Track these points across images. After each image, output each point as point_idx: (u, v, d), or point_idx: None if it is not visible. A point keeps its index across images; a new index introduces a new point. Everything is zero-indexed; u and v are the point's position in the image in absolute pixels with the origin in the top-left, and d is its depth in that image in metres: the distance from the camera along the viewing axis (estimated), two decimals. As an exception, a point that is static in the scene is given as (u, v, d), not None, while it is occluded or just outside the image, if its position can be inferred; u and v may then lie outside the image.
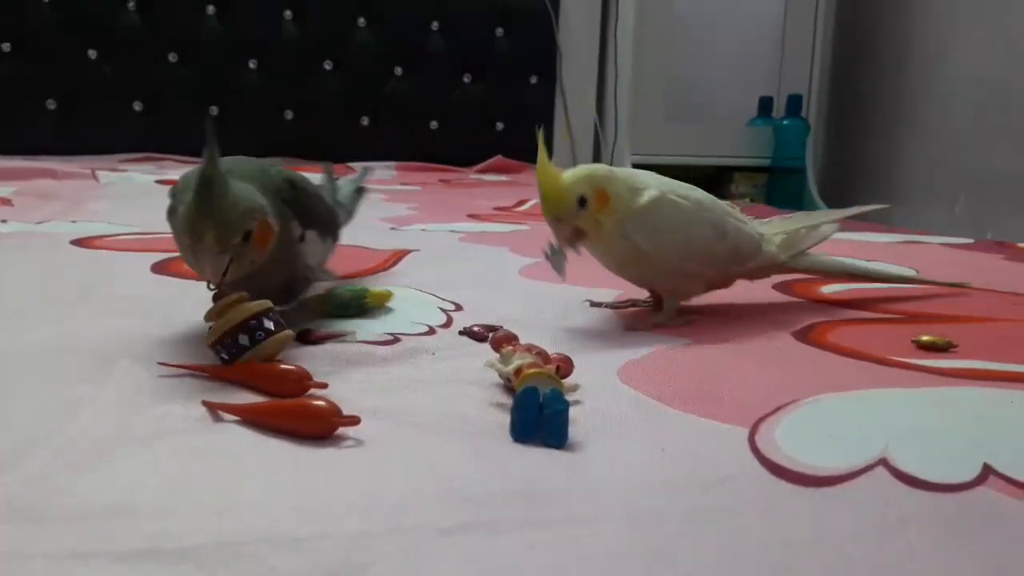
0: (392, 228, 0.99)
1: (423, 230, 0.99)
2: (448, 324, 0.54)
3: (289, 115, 1.86)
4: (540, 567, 0.25)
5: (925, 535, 0.28)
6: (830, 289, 0.69)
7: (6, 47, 1.68)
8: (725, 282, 0.59)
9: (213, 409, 0.36)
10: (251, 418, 0.35)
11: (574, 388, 0.40)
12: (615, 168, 0.54)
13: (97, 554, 0.24)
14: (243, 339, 0.40)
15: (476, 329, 0.52)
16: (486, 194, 1.48)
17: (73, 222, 0.94)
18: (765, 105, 1.96)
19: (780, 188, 1.94)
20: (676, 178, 0.57)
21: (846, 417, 0.39)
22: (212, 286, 0.43)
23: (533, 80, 1.96)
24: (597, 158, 2.03)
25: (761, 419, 0.38)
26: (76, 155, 1.66)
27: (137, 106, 1.78)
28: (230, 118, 1.82)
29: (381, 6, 1.87)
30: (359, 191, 0.71)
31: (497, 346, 0.43)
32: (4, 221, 0.91)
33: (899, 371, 0.47)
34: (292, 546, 0.25)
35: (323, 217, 0.55)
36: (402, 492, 0.29)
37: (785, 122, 1.91)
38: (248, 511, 0.27)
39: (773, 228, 0.62)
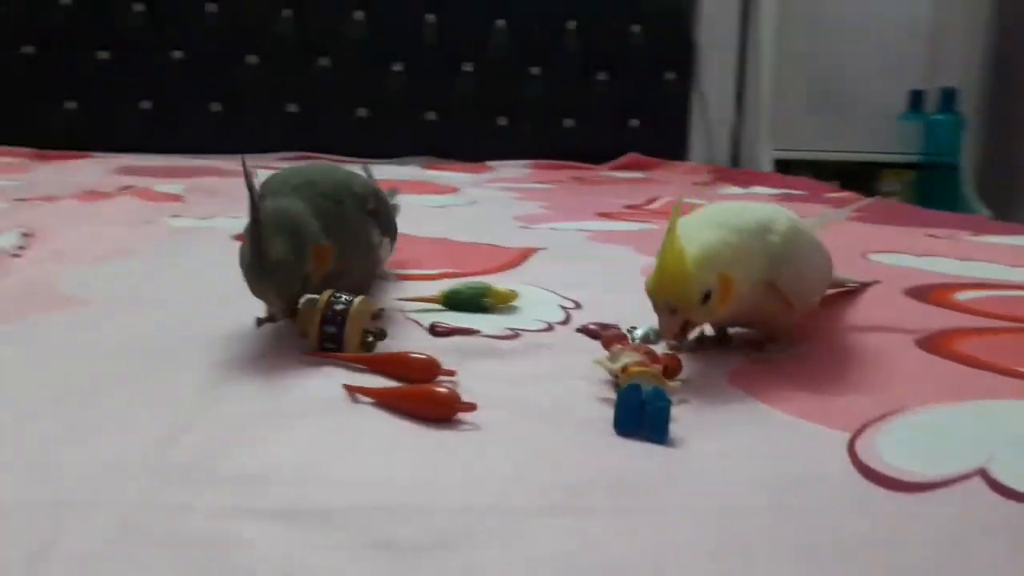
0: (522, 226, 1.03)
1: (552, 228, 1.02)
2: (566, 322, 0.57)
3: (431, 116, 1.93)
4: (621, 551, 0.27)
5: (1015, 546, 0.28)
6: (965, 296, 0.67)
7: (178, 55, 1.83)
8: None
9: (351, 392, 0.40)
10: (383, 401, 0.39)
11: (678, 387, 0.42)
12: (741, 225, 0.45)
13: (249, 511, 0.28)
14: (330, 329, 0.45)
15: (592, 327, 0.54)
16: (618, 192, 1.49)
17: (235, 217, 1.02)
18: (916, 99, 1.87)
19: (931, 186, 1.85)
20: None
21: (952, 426, 0.39)
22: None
23: (669, 76, 1.96)
24: (736, 154, 2.00)
25: (865, 425, 0.39)
26: (236, 154, 1.78)
27: (292, 108, 1.89)
28: (376, 119, 1.91)
29: (519, 8, 1.91)
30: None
31: (607, 344, 0.46)
32: (176, 216, 1.01)
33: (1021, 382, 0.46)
34: (408, 515, 0.29)
35: (393, 224, 0.59)
36: (507, 474, 0.32)
37: (938, 117, 1.82)
38: (373, 483, 0.31)
39: None
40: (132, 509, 0.28)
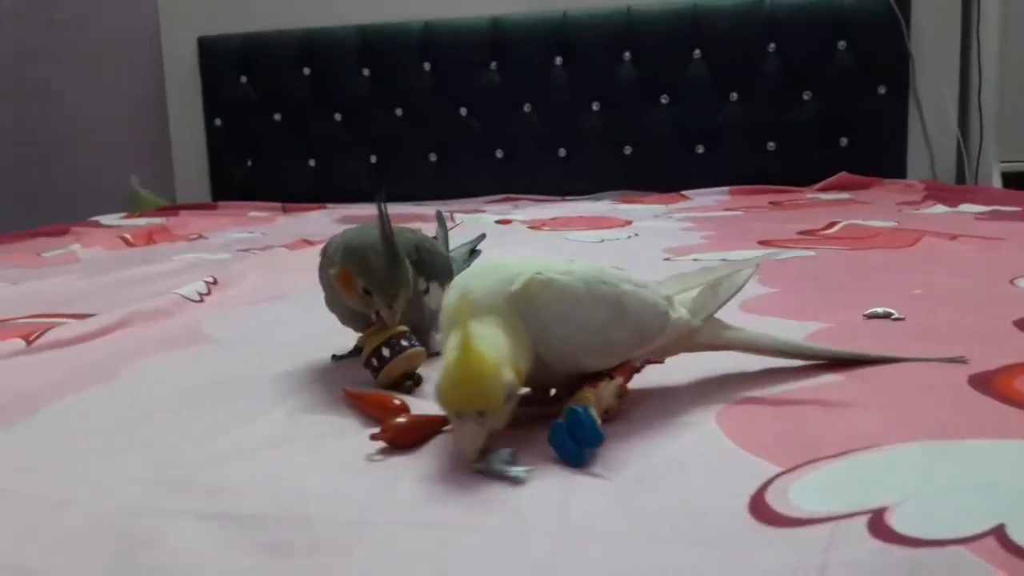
0: (666, 259, 1.03)
1: (695, 259, 1.02)
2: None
3: (627, 150, 1.97)
4: (468, 566, 0.31)
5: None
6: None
7: (399, 112, 2.03)
8: (625, 370, 0.47)
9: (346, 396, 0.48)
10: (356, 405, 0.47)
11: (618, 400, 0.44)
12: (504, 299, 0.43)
13: (183, 512, 0.36)
14: (385, 351, 0.51)
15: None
16: (810, 216, 1.43)
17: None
18: None
19: None
20: None
21: (899, 466, 0.37)
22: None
23: (881, 91, 1.84)
24: (960, 170, 1.83)
25: (808, 462, 0.38)
26: (451, 199, 1.93)
27: (499, 154, 2.02)
28: (578, 158, 1.98)
29: (715, 36, 1.90)
30: (472, 252, 0.78)
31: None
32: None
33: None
34: (302, 524, 0.34)
35: (443, 270, 0.64)
36: (414, 496, 0.37)
37: None
38: (294, 496, 0.37)
39: (678, 286, 0.52)
40: (101, 508, 0.36)
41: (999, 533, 0.30)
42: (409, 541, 0.33)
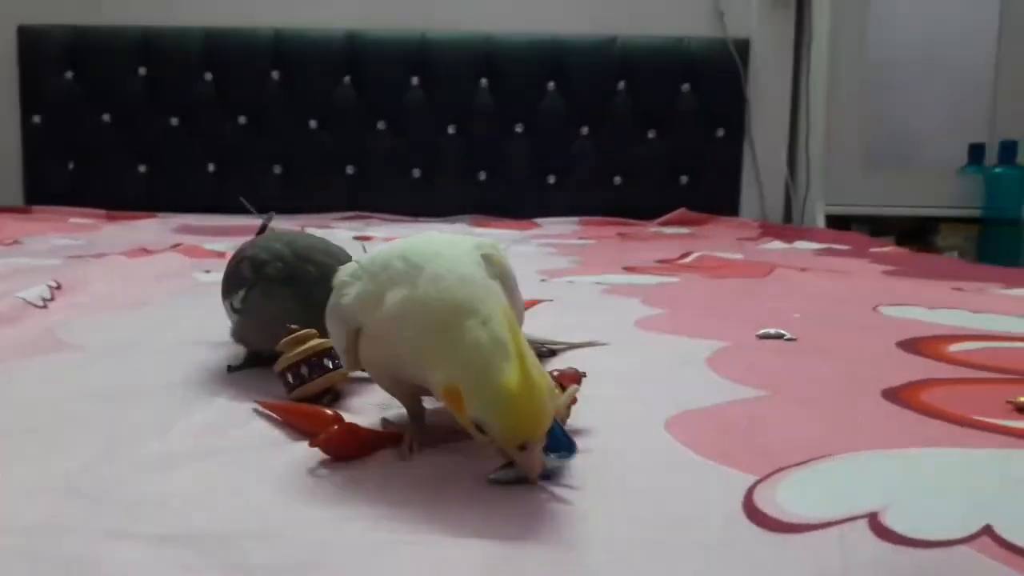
0: (542, 280, 1.04)
1: (570, 282, 1.02)
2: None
3: (482, 176, 1.97)
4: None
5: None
6: (958, 348, 0.65)
7: (242, 120, 1.93)
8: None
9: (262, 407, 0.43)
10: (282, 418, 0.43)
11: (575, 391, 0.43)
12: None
13: (127, 535, 0.30)
14: (304, 370, 0.47)
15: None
16: (658, 247, 1.49)
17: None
18: (976, 152, 1.82)
19: (994, 241, 1.79)
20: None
21: (866, 472, 0.38)
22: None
23: (719, 133, 1.96)
24: (788, 211, 1.97)
25: (779, 470, 0.38)
26: (298, 214, 1.85)
27: (350, 170, 1.96)
28: (432, 179, 1.96)
29: (570, 70, 1.95)
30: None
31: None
32: (208, 272, 1.06)
33: (979, 433, 0.44)
34: (266, 540, 0.30)
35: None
36: (376, 512, 0.33)
37: (998, 170, 1.77)
38: (250, 512, 0.32)
39: None
40: (10, 529, 0.30)
41: (991, 533, 0.31)
42: (393, 557, 0.29)
